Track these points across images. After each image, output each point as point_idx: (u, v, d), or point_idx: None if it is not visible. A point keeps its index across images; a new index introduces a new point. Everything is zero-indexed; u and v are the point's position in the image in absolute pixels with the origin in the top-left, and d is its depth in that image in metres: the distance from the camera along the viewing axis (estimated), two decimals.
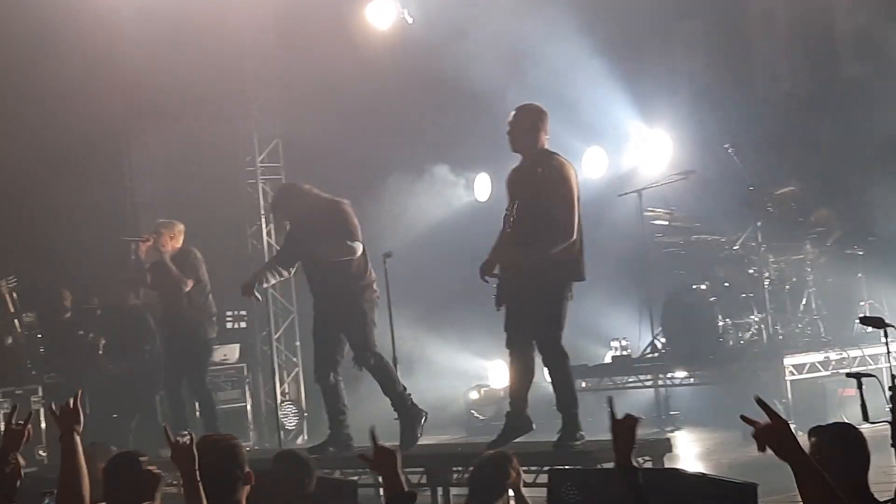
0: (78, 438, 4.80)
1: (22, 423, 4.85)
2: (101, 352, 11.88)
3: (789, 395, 10.03)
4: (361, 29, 12.65)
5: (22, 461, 4.80)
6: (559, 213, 7.62)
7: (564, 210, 7.62)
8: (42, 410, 10.61)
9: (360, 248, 8.82)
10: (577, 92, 11.95)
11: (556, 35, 12.03)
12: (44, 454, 10.58)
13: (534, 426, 8.01)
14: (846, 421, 5.41)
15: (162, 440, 4.35)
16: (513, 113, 7.91)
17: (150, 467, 4.66)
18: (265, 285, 9.43)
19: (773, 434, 3.31)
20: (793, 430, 3.34)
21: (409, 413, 8.75)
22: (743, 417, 3.42)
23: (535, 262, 7.61)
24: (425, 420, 8.77)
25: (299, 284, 13.71)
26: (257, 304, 10.39)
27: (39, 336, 11.75)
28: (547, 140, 7.86)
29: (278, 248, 13.92)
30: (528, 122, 7.85)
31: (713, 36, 12.63)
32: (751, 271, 11.10)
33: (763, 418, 3.35)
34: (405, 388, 8.88)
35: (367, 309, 8.85)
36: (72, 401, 4.82)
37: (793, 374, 10.20)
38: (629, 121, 12.78)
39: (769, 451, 3.32)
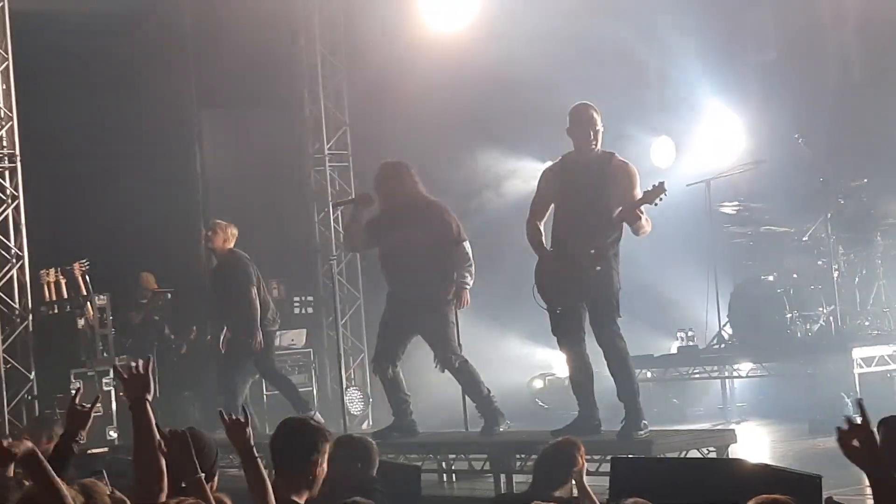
0: (149, 406, 4.35)
1: (88, 406, 4.72)
2: (171, 335, 12.13)
3: (857, 389, 9.91)
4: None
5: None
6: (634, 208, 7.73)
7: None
8: (113, 391, 10.81)
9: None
10: (647, 82, 11.89)
11: (625, 26, 11.97)
12: (114, 434, 10.76)
13: (602, 429, 8.01)
14: None
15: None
16: (585, 111, 7.92)
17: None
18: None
19: (857, 437, 3.27)
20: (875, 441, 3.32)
21: (493, 413, 8.77)
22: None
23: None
24: (507, 426, 8.77)
25: (366, 271, 13.81)
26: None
27: (111, 318, 11.94)
28: None
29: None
30: (599, 120, 7.90)
31: (783, 24, 12.49)
32: (820, 263, 10.99)
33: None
34: (490, 391, 8.87)
35: (448, 309, 8.82)
36: (141, 364, 4.40)
37: (861, 366, 10.08)
38: (698, 110, 12.69)
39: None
